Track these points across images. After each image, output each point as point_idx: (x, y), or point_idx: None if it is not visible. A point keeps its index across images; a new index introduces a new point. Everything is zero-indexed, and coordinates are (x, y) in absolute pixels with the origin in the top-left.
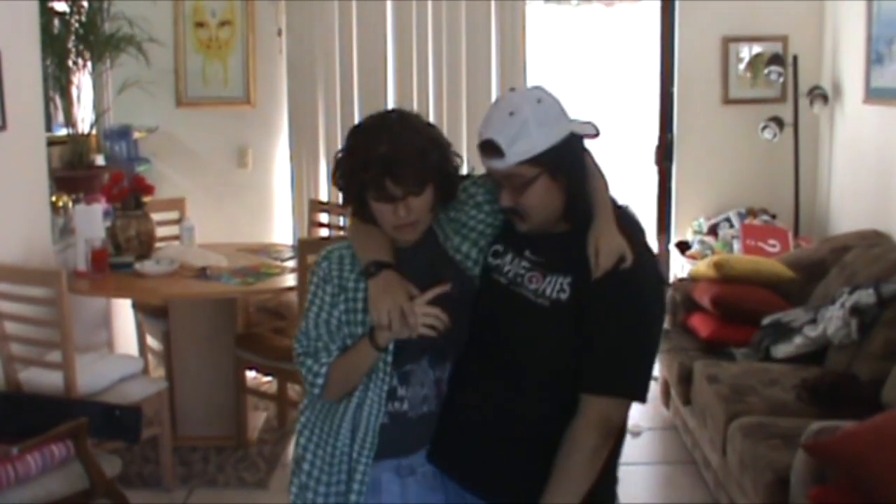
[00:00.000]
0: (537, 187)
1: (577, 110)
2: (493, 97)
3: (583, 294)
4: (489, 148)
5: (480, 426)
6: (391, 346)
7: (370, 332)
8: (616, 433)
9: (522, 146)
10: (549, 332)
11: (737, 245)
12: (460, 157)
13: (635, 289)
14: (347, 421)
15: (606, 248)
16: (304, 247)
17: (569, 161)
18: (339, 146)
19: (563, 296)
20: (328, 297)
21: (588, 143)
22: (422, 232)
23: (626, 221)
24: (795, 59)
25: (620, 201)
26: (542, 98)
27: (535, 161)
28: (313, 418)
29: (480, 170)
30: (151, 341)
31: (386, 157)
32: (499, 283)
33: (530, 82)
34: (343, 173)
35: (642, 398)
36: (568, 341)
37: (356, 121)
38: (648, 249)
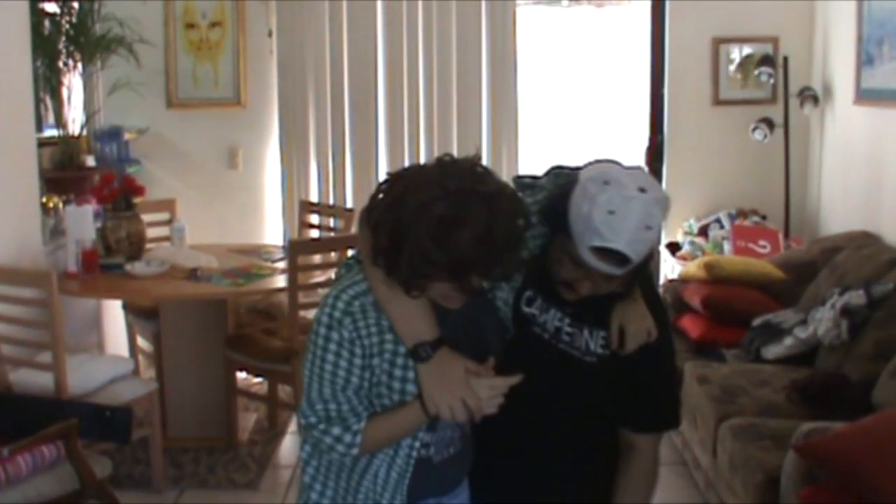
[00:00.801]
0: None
1: (568, 112)
2: (484, 98)
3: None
4: (615, 256)
5: (525, 467)
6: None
7: (421, 399)
8: None
9: (642, 252)
10: (600, 386)
11: (727, 246)
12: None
13: (662, 334)
14: (371, 474)
15: (634, 329)
16: (295, 248)
17: (649, 261)
18: (330, 147)
19: (605, 351)
20: (358, 359)
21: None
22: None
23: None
24: (786, 60)
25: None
26: (667, 206)
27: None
28: (323, 470)
29: None
30: (142, 342)
31: (479, 251)
32: (540, 338)
33: (521, 84)
34: (394, 241)
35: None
36: (611, 390)
37: (347, 121)
38: (658, 295)
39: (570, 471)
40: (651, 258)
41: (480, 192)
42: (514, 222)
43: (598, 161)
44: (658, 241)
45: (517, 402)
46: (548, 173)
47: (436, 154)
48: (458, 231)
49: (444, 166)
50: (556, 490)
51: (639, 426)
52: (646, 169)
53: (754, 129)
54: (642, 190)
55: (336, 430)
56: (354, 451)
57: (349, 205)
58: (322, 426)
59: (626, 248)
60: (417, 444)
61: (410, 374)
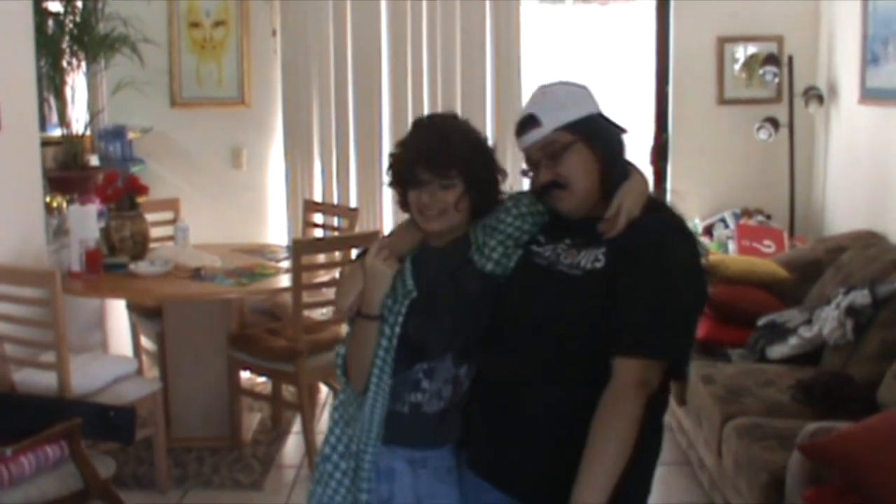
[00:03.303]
0: (574, 154)
1: None
2: (489, 97)
3: (616, 262)
4: (527, 122)
5: (520, 423)
6: (390, 331)
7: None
8: (652, 397)
9: (557, 113)
10: (583, 302)
11: (732, 245)
12: (504, 172)
13: (663, 247)
14: (365, 412)
15: (629, 203)
16: (299, 247)
17: (603, 131)
18: (334, 146)
19: (598, 265)
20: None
21: None
22: (446, 226)
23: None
24: (791, 59)
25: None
26: (572, 83)
27: (571, 127)
28: (338, 413)
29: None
30: (145, 342)
31: (421, 144)
32: (537, 265)
33: (525, 82)
34: (390, 164)
35: (679, 361)
36: (595, 309)
37: (350, 120)
38: (678, 216)
39: (557, 410)
40: (595, 124)
41: (437, 115)
42: (453, 132)
43: None
44: (584, 113)
45: (510, 331)
46: None
47: None
48: (408, 134)
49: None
50: (543, 434)
51: (614, 346)
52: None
53: (759, 129)
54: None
55: (341, 349)
56: (339, 361)
57: (353, 204)
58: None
59: (526, 108)
60: (387, 378)
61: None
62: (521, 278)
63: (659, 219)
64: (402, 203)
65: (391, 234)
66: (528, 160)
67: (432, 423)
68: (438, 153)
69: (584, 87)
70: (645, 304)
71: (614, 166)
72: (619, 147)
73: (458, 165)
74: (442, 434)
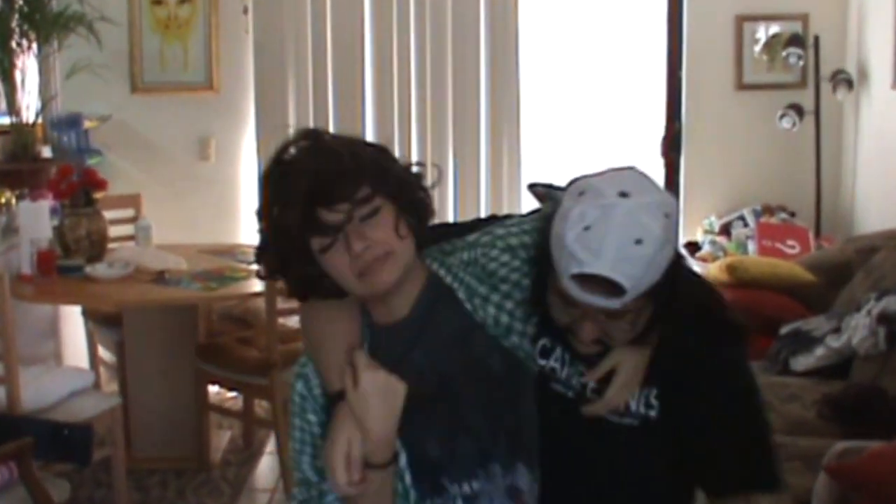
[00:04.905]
0: (641, 318)
1: (576, 100)
2: (483, 84)
3: (676, 408)
4: (604, 284)
5: None
6: (402, 461)
7: None
8: None
9: (647, 280)
10: (649, 456)
11: (752, 246)
12: (419, 164)
13: (730, 374)
14: None
15: (623, 381)
16: None
17: (675, 283)
18: None
19: (652, 412)
20: (317, 424)
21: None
22: (401, 267)
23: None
24: (817, 39)
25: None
26: (669, 212)
27: (650, 291)
28: None
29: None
30: (103, 352)
31: (307, 180)
32: (562, 398)
33: (523, 70)
34: (267, 240)
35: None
36: (667, 459)
37: (330, 108)
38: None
39: None
40: (676, 276)
41: (291, 146)
42: (337, 145)
43: (613, 170)
44: (668, 257)
45: (554, 484)
46: (567, 185)
47: (429, 146)
48: (270, 187)
49: None
50: None
51: (712, 487)
52: (641, 169)
53: (782, 117)
54: (623, 195)
55: None
56: None
57: None
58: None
59: (609, 271)
60: None
61: None
62: (545, 415)
63: (704, 335)
64: (300, 283)
65: (315, 349)
66: (565, 296)
67: None
68: (338, 172)
69: (676, 213)
70: (732, 444)
71: (665, 312)
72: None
73: (368, 178)
74: None
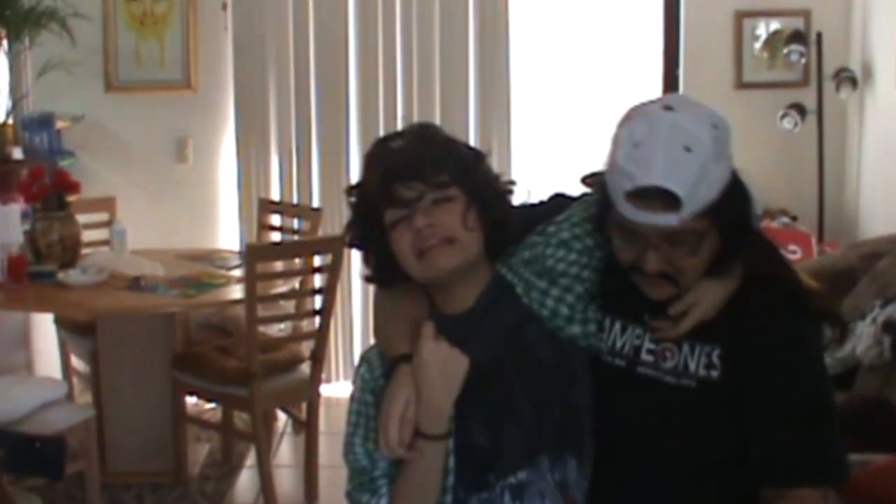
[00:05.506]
0: (706, 244)
1: (569, 98)
2: (472, 84)
3: (739, 371)
4: (657, 197)
5: None
6: (451, 444)
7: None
8: None
9: (704, 193)
10: (703, 425)
11: None
12: (512, 182)
13: (803, 348)
14: None
15: (704, 307)
16: (253, 253)
17: (740, 205)
18: (294, 138)
19: (714, 373)
20: (373, 405)
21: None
22: (461, 260)
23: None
24: (819, 36)
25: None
26: (717, 123)
27: (710, 210)
28: None
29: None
30: (77, 362)
31: (393, 155)
32: (615, 368)
33: (514, 66)
34: (353, 200)
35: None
36: (718, 432)
37: (313, 108)
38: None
39: None
40: (738, 199)
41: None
42: (421, 136)
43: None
44: (724, 173)
45: (611, 457)
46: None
47: None
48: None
49: None
50: None
51: (768, 477)
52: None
53: (783, 117)
54: (668, 108)
55: (365, 498)
56: None
57: (315, 204)
58: (355, 496)
59: (661, 180)
60: None
61: None
62: (600, 391)
63: (781, 302)
64: (379, 268)
65: (384, 327)
66: (625, 227)
67: None
68: (421, 156)
69: (727, 126)
70: (787, 421)
71: (738, 247)
72: (751, 211)
73: (450, 168)
74: None
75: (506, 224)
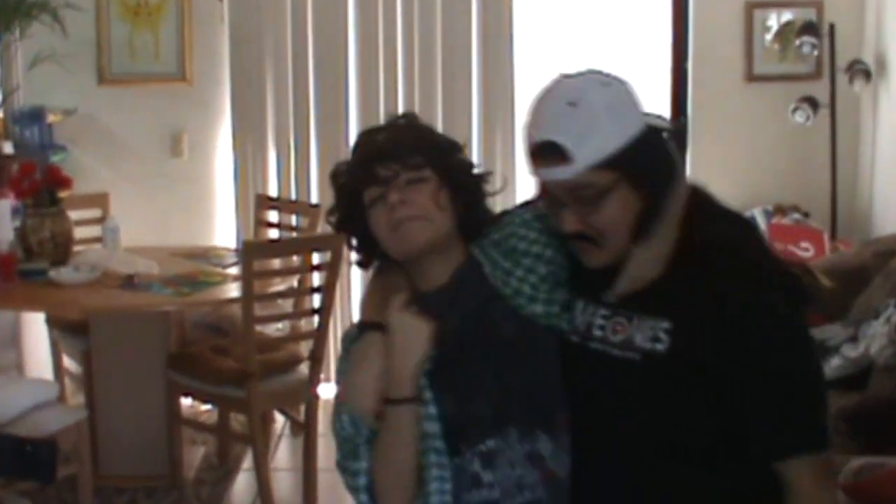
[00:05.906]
0: (613, 199)
1: None
2: (475, 77)
3: (690, 344)
4: (549, 152)
5: None
6: (432, 409)
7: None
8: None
9: (594, 145)
10: (654, 397)
11: None
12: (488, 172)
13: (773, 320)
14: None
15: (632, 272)
16: (250, 250)
17: (652, 161)
18: (291, 132)
19: (660, 346)
20: None
21: None
22: (433, 235)
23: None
24: (832, 27)
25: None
26: (608, 81)
27: (611, 163)
28: None
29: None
30: (69, 363)
31: (373, 142)
32: (572, 345)
33: (518, 60)
34: (335, 182)
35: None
36: (671, 407)
37: (311, 101)
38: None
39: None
40: (646, 154)
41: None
42: (400, 124)
43: None
44: (624, 129)
45: (578, 434)
46: None
47: None
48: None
49: None
50: None
51: (760, 449)
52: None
53: (795, 110)
54: (566, 76)
55: (349, 464)
56: (361, 481)
57: (314, 200)
58: (343, 465)
59: (546, 132)
60: (448, 487)
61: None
62: (564, 367)
63: (739, 272)
64: (361, 249)
65: (364, 302)
66: (545, 191)
67: None
68: (398, 140)
69: (624, 85)
70: (766, 397)
71: (659, 204)
72: (669, 169)
73: (424, 151)
74: None
75: (478, 206)
